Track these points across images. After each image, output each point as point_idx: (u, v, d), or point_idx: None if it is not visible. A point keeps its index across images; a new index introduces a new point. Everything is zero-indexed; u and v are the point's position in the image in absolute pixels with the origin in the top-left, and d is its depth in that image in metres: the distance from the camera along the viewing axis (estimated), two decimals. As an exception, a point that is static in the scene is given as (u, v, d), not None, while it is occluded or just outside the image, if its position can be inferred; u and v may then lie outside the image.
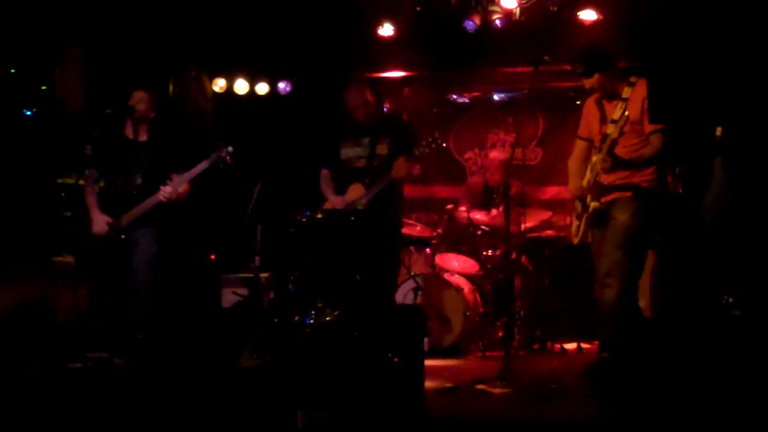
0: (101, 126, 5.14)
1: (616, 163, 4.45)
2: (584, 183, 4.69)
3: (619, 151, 4.46)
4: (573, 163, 4.87)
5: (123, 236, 5.05)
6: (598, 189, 4.57)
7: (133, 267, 5.07)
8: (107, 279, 5.10)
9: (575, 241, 4.80)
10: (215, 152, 5.15)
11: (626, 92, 4.47)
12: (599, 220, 4.59)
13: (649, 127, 4.40)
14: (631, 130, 4.45)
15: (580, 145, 4.86)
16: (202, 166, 5.12)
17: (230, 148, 5.15)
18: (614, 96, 4.55)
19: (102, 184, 5.19)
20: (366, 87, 5.56)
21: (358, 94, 5.45)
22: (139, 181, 5.11)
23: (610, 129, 4.48)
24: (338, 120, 5.69)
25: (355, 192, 5.34)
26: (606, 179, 4.54)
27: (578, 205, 4.77)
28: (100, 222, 5.08)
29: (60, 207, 5.57)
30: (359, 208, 5.24)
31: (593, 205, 4.58)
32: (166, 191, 5.02)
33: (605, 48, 4.69)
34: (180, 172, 5.14)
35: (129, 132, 5.22)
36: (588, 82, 4.63)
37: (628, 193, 4.48)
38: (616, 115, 4.43)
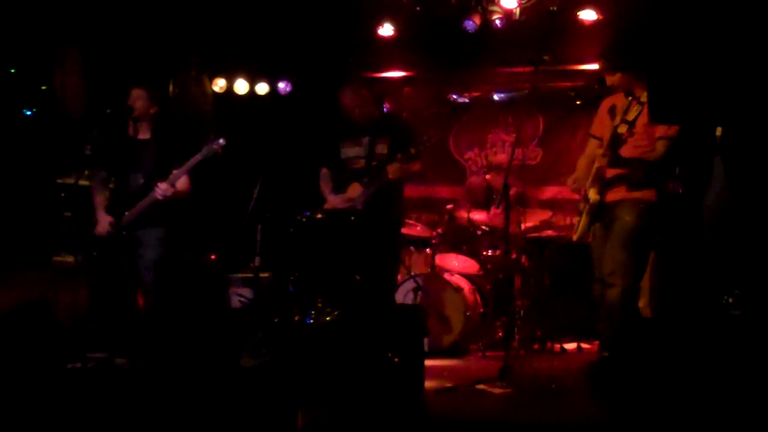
0: (102, 126, 5.14)
1: (615, 160, 4.44)
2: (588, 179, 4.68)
3: (625, 150, 4.44)
4: (583, 160, 4.85)
5: (124, 232, 5.05)
6: (600, 182, 4.57)
7: (138, 267, 5.06)
8: (109, 278, 5.10)
9: (575, 237, 4.77)
10: (207, 144, 5.14)
11: (644, 96, 4.43)
12: (600, 216, 4.58)
13: (659, 133, 4.38)
14: (643, 132, 4.42)
15: (592, 143, 4.83)
16: (195, 159, 5.10)
17: (222, 140, 5.12)
18: (632, 96, 4.53)
19: (112, 185, 5.18)
20: (363, 87, 5.53)
21: (355, 95, 5.43)
22: (141, 179, 5.10)
23: (622, 127, 4.46)
24: (338, 119, 5.68)
25: (354, 192, 5.34)
26: (609, 173, 4.53)
27: (581, 203, 4.75)
28: (103, 223, 5.07)
29: (60, 207, 5.56)
30: (357, 207, 5.24)
31: (593, 197, 4.56)
32: (161, 188, 5.02)
33: (632, 47, 4.66)
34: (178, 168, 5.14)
35: (130, 131, 5.21)
36: (609, 79, 4.63)
37: (635, 194, 4.48)
38: (630, 115, 4.41)
